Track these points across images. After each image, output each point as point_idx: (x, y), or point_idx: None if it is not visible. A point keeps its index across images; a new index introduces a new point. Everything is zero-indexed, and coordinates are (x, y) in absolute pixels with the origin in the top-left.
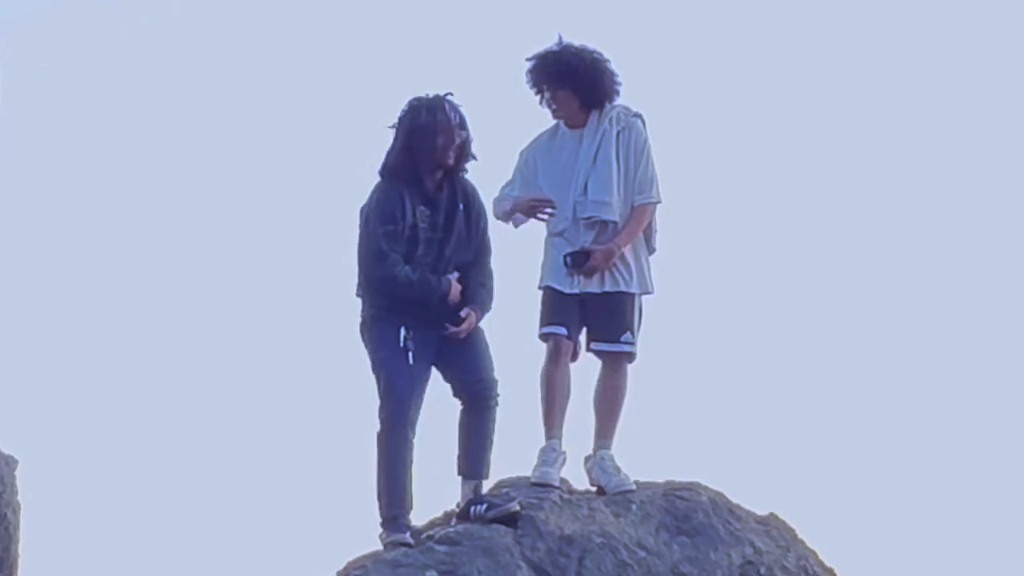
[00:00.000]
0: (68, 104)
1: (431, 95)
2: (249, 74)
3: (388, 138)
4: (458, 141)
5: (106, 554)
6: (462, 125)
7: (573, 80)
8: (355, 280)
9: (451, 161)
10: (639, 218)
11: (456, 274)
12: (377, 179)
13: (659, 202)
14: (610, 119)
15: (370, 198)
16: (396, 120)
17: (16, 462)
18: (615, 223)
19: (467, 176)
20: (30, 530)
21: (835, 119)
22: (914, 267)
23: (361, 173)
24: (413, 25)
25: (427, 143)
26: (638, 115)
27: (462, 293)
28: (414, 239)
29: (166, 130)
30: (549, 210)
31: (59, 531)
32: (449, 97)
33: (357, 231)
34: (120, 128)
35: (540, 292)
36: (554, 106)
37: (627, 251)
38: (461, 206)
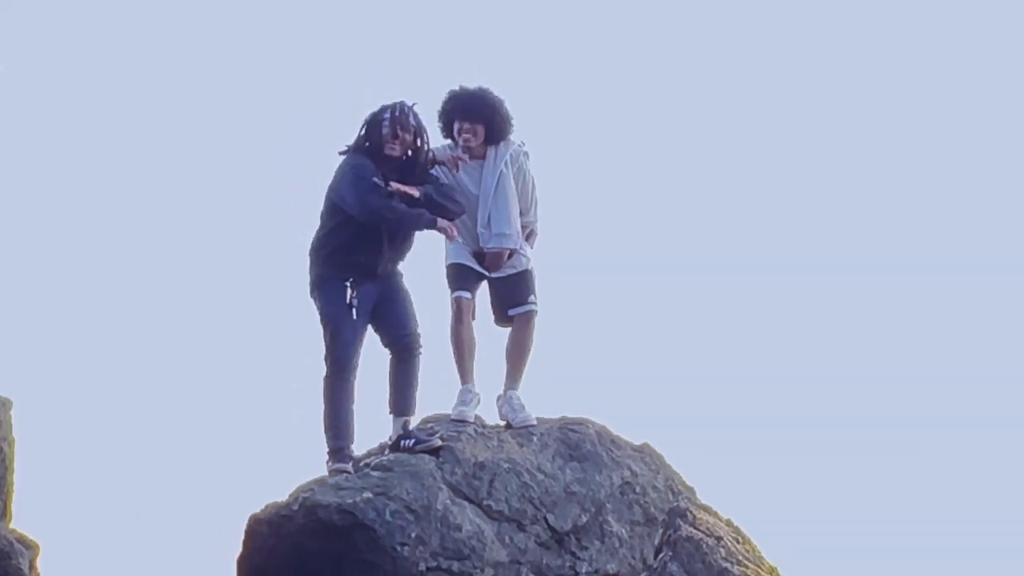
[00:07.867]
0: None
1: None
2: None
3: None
4: (404, 137)
5: (91, 482)
6: (406, 128)
7: (492, 119)
8: (310, 242)
9: (396, 152)
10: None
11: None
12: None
13: (535, 221)
14: (506, 161)
15: (343, 166)
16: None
17: (11, 402)
18: (514, 250)
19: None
20: (23, 463)
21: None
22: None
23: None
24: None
25: (376, 130)
26: (526, 153)
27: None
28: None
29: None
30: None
31: (49, 464)
32: (411, 104)
33: (328, 201)
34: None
35: (447, 269)
36: (467, 136)
37: (521, 243)
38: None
